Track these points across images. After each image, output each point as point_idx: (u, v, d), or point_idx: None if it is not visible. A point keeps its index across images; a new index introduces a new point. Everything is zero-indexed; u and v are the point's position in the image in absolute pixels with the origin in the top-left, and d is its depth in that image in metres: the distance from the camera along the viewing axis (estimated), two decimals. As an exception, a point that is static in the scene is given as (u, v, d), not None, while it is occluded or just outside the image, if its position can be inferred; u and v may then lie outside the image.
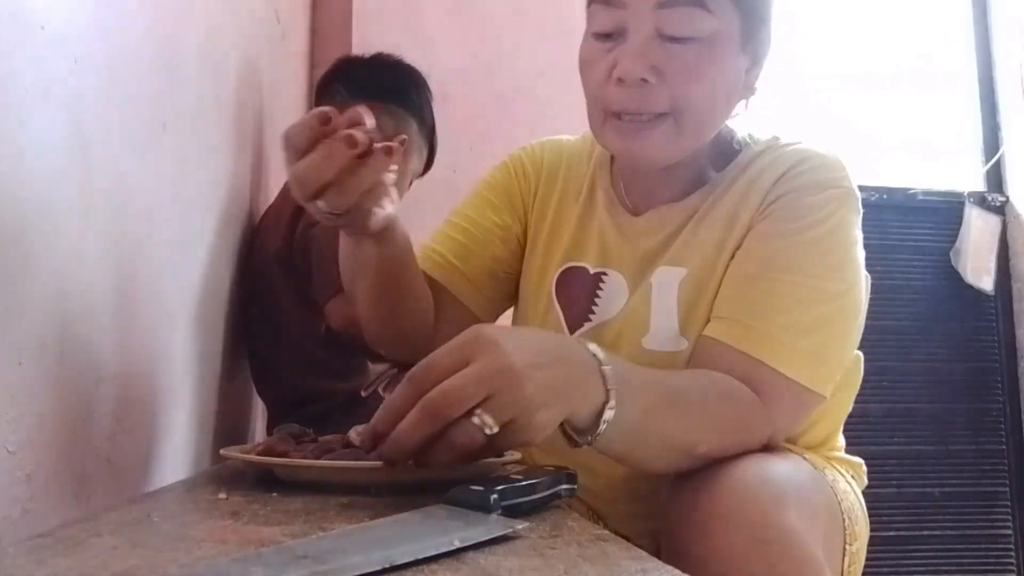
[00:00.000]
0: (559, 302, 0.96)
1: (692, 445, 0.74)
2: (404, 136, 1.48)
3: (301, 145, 0.68)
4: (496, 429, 0.59)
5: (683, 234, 0.91)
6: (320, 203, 0.69)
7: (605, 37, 0.85)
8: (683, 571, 0.66)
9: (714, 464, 0.73)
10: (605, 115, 0.86)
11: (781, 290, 0.81)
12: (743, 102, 0.91)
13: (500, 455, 0.68)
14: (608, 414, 0.66)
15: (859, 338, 0.89)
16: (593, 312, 0.93)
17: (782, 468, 0.76)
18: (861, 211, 0.88)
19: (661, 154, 0.86)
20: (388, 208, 0.77)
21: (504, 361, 0.60)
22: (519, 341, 0.62)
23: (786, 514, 0.69)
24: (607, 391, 0.66)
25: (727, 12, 0.83)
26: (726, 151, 0.95)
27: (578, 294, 0.94)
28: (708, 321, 0.86)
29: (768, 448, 0.81)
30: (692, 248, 0.90)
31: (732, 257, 0.87)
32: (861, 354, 0.97)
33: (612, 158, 1.00)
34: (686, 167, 0.92)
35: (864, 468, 0.98)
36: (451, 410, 0.58)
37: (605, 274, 0.94)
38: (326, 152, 0.67)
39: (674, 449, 0.74)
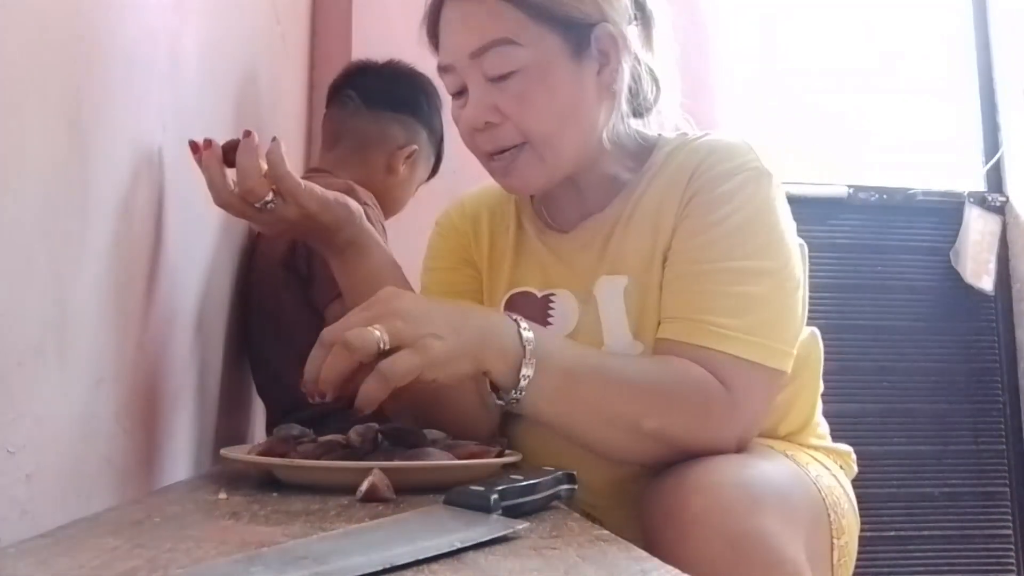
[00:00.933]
0: None
1: (635, 419, 0.76)
2: (415, 148, 1.51)
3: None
4: (388, 342, 0.67)
5: (613, 242, 0.94)
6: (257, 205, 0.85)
7: (457, 96, 0.94)
8: None
9: (690, 465, 0.74)
10: (483, 160, 0.94)
11: (714, 279, 0.84)
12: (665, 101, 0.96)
13: (409, 386, 0.72)
14: (526, 370, 0.73)
15: (806, 310, 0.91)
16: None
17: (761, 469, 0.77)
18: (779, 185, 0.89)
19: (534, 180, 0.92)
20: (313, 202, 0.87)
21: (392, 303, 0.71)
22: (419, 298, 0.74)
23: (761, 517, 0.70)
24: (524, 348, 0.73)
25: (539, 36, 0.87)
26: (637, 153, 0.97)
27: (528, 317, 0.96)
28: (659, 323, 0.88)
29: (748, 447, 0.82)
30: (625, 255, 0.92)
31: (664, 259, 0.89)
32: (816, 330, 0.99)
33: None
34: (592, 178, 0.96)
35: (853, 456, 0.99)
36: (340, 332, 0.68)
37: (553, 295, 0.96)
38: (205, 165, 0.87)
39: (613, 422, 0.77)
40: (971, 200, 2.60)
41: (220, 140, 1.19)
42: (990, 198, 2.62)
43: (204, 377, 1.12)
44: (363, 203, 1.34)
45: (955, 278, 2.55)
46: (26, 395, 0.60)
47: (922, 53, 2.71)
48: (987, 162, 2.66)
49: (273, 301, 1.34)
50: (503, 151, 0.90)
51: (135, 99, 0.83)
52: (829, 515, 0.83)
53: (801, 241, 0.92)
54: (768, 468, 0.79)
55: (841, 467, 0.96)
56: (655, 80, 0.95)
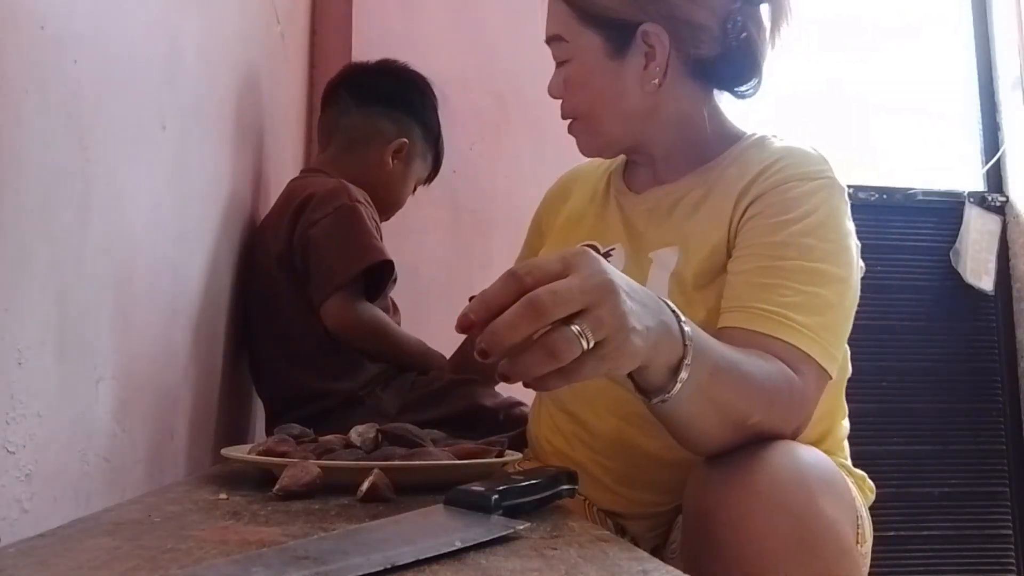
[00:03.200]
0: None
1: (747, 415, 0.74)
2: (404, 141, 1.51)
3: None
4: (592, 343, 0.58)
5: (677, 213, 0.99)
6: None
7: None
8: (714, 553, 0.66)
9: (746, 449, 0.73)
10: None
11: (787, 276, 0.85)
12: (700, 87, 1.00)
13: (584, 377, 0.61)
14: (684, 373, 0.67)
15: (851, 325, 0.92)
16: None
17: (810, 457, 0.76)
18: (848, 203, 0.93)
19: (588, 147, 1.06)
20: None
21: (607, 276, 0.60)
22: (618, 272, 0.63)
23: (823, 501, 0.69)
24: (684, 346, 0.67)
25: (583, 35, 0.99)
26: (720, 139, 1.02)
27: None
28: (687, 299, 0.90)
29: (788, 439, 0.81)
30: (685, 228, 0.97)
31: (720, 245, 0.92)
32: (848, 348, 0.97)
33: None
34: (660, 152, 1.03)
35: (870, 484, 0.98)
36: (556, 310, 0.57)
37: (612, 249, 1.02)
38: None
39: (730, 418, 0.74)
40: (971, 200, 2.60)
41: (222, 139, 1.19)
42: (990, 198, 2.62)
43: (204, 376, 1.12)
44: (355, 200, 1.33)
45: (955, 278, 2.55)
46: (26, 394, 0.59)
47: (922, 53, 2.71)
48: (987, 162, 2.66)
49: (270, 298, 1.33)
50: (569, 120, 1.05)
51: (135, 98, 0.83)
52: (857, 517, 0.82)
53: (862, 264, 0.94)
54: (814, 457, 0.77)
55: (855, 485, 0.95)
56: (753, 64, 1.00)
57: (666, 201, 1.00)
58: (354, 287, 1.31)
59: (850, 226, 0.92)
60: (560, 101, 1.05)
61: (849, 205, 0.93)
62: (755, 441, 0.74)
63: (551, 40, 1.03)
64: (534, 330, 0.57)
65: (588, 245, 1.03)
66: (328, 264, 1.29)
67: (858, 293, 0.90)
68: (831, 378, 0.84)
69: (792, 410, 0.79)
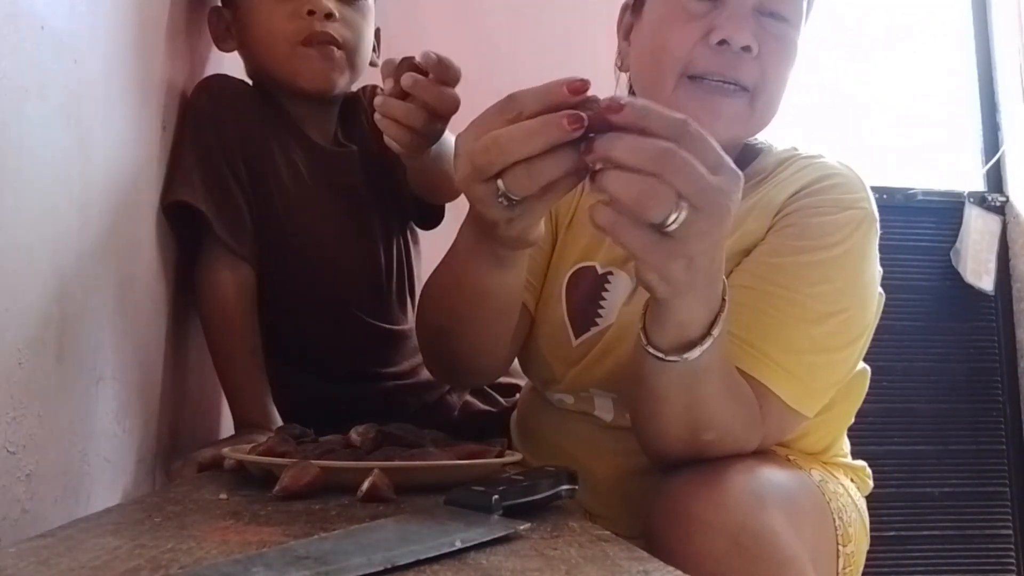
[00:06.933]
0: (567, 303, 0.94)
1: (708, 427, 0.73)
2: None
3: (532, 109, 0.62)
4: (676, 225, 0.54)
5: None
6: (500, 183, 0.61)
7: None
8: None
9: (694, 466, 0.73)
10: (679, 78, 0.84)
11: (776, 306, 0.80)
12: None
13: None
14: (716, 329, 0.65)
15: (857, 362, 0.87)
16: (599, 315, 0.92)
17: (764, 471, 0.76)
18: (879, 231, 0.86)
19: (729, 129, 0.85)
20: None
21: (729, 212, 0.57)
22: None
23: (766, 516, 0.69)
24: (723, 302, 0.65)
25: (803, 11, 0.87)
26: (746, 152, 0.92)
27: (585, 294, 0.93)
28: None
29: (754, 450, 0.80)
30: None
31: (735, 263, 0.84)
32: (868, 368, 0.95)
33: None
34: None
35: (868, 471, 0.97)
36: (680, 178, 0.54)
37: (611, 273, 0.92)
38: (543, 125, 0.60)
39: (692, 418, 0.72)
40: (971, 200, 2.60)
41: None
42: (990, 198, 2.62)
43: (204, 376, 1.12)
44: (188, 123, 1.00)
45: (955, 278, 2.55)
46: (26, 394, 0.59)
47: (922, 53, 2.71)
48: (987, 162, 2.66)
49: None
50: (724, 83, 0.87)
51: (135, 98, 0.83)
52: (834, 520, 0.81)
53: (881, 291, 0.89)
54: (772, 470, 0.77)
55: (852, 480, 0.94)
56: None
57: None
58: (214, 239, 1.00)
59: (872, 258, 0.85)
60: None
61: (878, 234, 0.86)
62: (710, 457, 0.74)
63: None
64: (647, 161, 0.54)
65: (587, 267, 0.93)
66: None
67: (865, 329, 0.84)
68: (805, 418, 0.81)
69: (748, 443, 0.77)
